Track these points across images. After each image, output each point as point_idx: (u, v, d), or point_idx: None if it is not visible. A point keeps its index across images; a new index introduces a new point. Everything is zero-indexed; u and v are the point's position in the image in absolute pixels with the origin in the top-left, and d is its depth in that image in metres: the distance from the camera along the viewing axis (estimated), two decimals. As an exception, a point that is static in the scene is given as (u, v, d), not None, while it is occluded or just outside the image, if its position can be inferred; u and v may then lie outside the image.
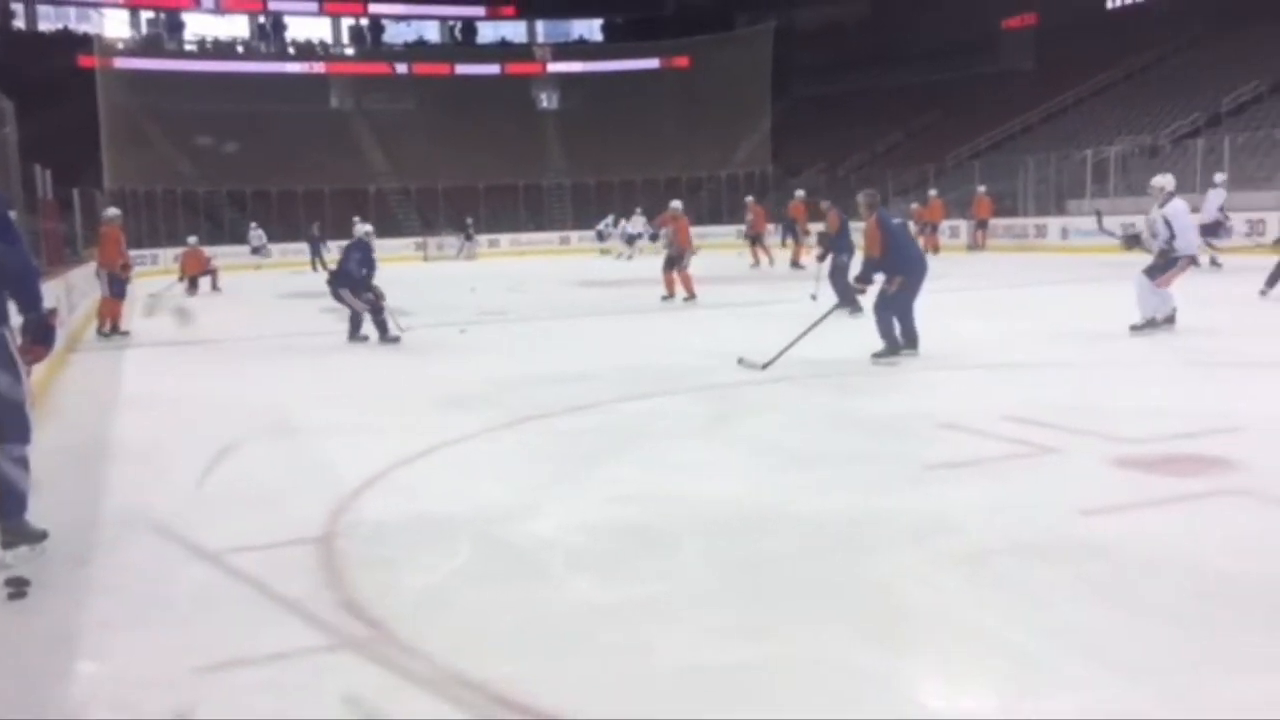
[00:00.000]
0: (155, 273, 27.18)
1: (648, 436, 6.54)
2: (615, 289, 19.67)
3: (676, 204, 16.54)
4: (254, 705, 3.06)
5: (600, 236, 34.23)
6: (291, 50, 50.35)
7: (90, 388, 9.61)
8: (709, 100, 44.46)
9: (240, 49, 49.95)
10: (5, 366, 4.22)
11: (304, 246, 31.59)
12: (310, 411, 7.88)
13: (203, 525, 4.79)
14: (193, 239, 24.79)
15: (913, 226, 19.62)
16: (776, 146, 43.05)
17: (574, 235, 38.61)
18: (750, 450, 6.04)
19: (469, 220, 37.09)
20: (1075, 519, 4.42)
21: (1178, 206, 10.05)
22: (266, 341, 13.15)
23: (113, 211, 14.39)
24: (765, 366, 8.49)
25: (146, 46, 47.56)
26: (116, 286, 13.58)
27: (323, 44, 51.60)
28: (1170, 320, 9.88)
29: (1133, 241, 10.51)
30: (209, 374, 10.46)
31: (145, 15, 49.07)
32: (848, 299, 11.12)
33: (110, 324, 13.54)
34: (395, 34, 53.41)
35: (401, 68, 49.87)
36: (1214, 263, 16.41)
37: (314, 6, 51.20)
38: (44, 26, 47.63)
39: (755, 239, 24.01)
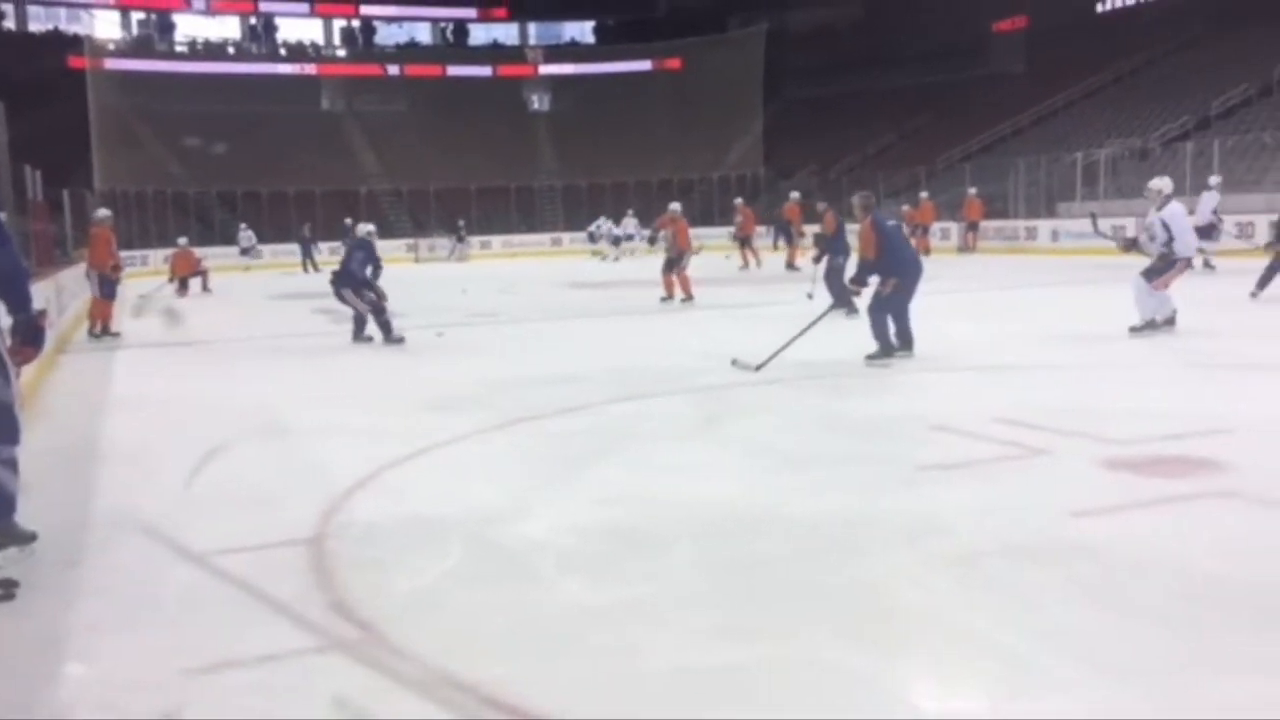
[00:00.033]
0: (145, 274, 27.10)
1: (639, 438, 6.54)
2: (607, 290, 19.68)
3: (675, 206, 16.63)
4: (243, 707, 3.05)
5: (592, 238, 34.26)
6: (283, 51, 50.31)
7: (80, 389, 9.58)
8: (701, 102, 44.51)
9: (231, 50, 49.88)
10: (-6, 368, 4.20)
11: (295, 248, 31.59)
12: (301, 413, 7.87)
13: (192, 527, 4.78)
14: (183, 240, 24.72)
15: (904, 229, 19.66)
16: (768, 148, 43.13)
17: (565, 237, 38.63)
18: (742, 452, 6.04)
19: (461, 222, 37.08)
20: (1065, 521, 4.43)
21: (1175, 209, 10.08)
22: (257, 343, 13.12)
23: (103, 212, 14.35)
24: (759, 368, 8.50)
25: (137, 47, 47.49)
26: (107, 288, 13.54)
27: (314, 45, 51.57)
28: (1170, 322, 9.90)
29: (1131, 244, 10.54)
30: (199, 375, 10.43)
31: (136, 16, 49.02)
32: (843, 300, 11.14)
33: (101, 325, 13.51)
34: (387, 35, 53.43)
35: (393, 69, 49.87)
36: (1207, 265, 16.48)
37: (305, 8, 51.17)
38: (34, 27, 47.51)
39: (744, 241, 24.07)
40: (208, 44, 49.64)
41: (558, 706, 2.95)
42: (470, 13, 53.56)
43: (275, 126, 41.84)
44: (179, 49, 48.93)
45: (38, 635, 3.64)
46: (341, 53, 52.41)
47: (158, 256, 29.22)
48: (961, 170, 32.41)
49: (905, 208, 27.10)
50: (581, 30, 55.67)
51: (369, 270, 11.92)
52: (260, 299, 21.03)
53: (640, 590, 3.86)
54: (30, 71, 38.24)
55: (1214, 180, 18.03)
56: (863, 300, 9.47)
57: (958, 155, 35.12)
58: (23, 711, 3.09)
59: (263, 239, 33.69)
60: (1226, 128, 27.98)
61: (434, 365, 10.41)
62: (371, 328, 11.85)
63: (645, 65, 49.18)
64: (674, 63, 48.39)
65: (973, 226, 28.08)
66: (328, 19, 52.04)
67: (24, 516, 4.36)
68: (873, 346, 8.93)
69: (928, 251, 24.61)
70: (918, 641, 3.35)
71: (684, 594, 3.81)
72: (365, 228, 12.70)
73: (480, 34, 54.38)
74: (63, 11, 48.43)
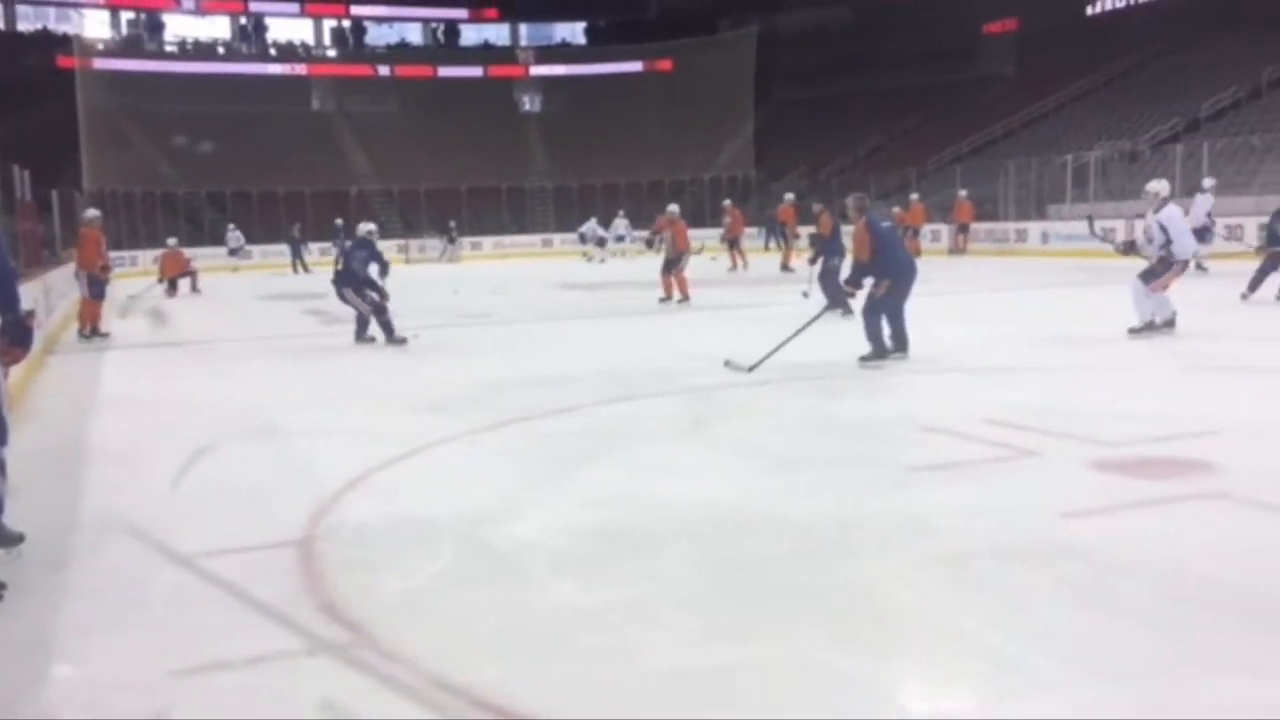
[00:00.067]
0: (135, 274, 27.01)
1: (631, 439, 6.53)
2: (599, 292, 19.68)
3: (674, 208, 16.78)
4: (230, 708, 3.04)
5: (583, 239, 34.25)
6: (273, 51, 50.22)
7: (68, 390, 9.54)
8: (692, 103, 44.54)
9: (221, 50, 49.76)
10: (-18, 368, 4.19)
11: (285, 248, 31.50)
12: (291, 414, 7.84)
13: (181, 528, 4.76)
14: (172, 240, 24.66)
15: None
16: (759, 150, 43.20)
17: (556, 238, 38.60)
18: (734, 453, 6.04)
19: (452, 224, 37.03)
20: (1055, 522, 4.44)
21: (1172, 212, 10.10)
22: (247, 344, 13.08)
23: (93, 213, 14.29)
24: (752, 369, 8.49)
25: (126, 47, 47.34)
26: (96, 288, 13.48)
27: (304, 45, 51.46)
28: (1170, 324, 9.92)
29: (1129, 247, 10.57)
30: (189, 376, 10.40)
31: (125, 16, 48.84)
32: (838, 301, 11.15)
33: (90, 326, 13.45)
34: (377, 36, 53.34)
35: (384, 69, 49.79)
36: (1199, 267, 16.55)
37: (295, 8, 51.05)
38: (23, 26, 47.31)
39: (733, 243, 24.13)
40: (197, 44, 49.50)
41: (549, 708, 2.95)
42: (461, 13, 53.51)
43: (265, 127, 41.73)
44: (169, 49, 48.77)
45: (25, 637, 3.62)
46: (332, 53, 52.32)
47: (147, 257, 29.11)
48: (952, 172, 32.49)
49: (896, 209, 27.10)
50: (573, 31, 55.67)
51: (372, 269, 11.86)
52: (250, 300, 20.97)
53: (632, 591, 3.86)
54: (19, 71, 38.16)
55: (1208, 183, 18.09)
56: (858, 302, 9.48)
57: (948, 157, 35.20)
58: (9, 712, 3.07)
59: (253, 239, 33.60)
60: (1216, 130, 28.08)
61: (425, 366, 10.40)
62: (374, 328, 11.80)
63: (636, 66, 49.21)
64: (665, 64, 48.41)
65: (963, 228, 28.13)
66: (318, 19, 51.93)
67: (11, 518, 4.35)
68: (866, 348, 8.93)
69: (918, 253, 24.59)
70: (909, 642, 3.35)
71: (676, 595, 3.81)
72: (366, 227, 12.67)
73: (471, 34, 54.33)
74: (51, 11, 48.25)
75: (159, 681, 3.19)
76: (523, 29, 54.53)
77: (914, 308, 9.18)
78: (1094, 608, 3.52)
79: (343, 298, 11.93)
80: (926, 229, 28.02)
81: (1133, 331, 9.87)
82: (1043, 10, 39.82)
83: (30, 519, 4.51)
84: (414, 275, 26.35)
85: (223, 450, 6.55)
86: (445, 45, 53.57)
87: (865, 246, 8.96)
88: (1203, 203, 17.08)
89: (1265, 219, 14.01)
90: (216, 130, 38.82)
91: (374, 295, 11.72)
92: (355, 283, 11.76)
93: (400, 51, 52.14)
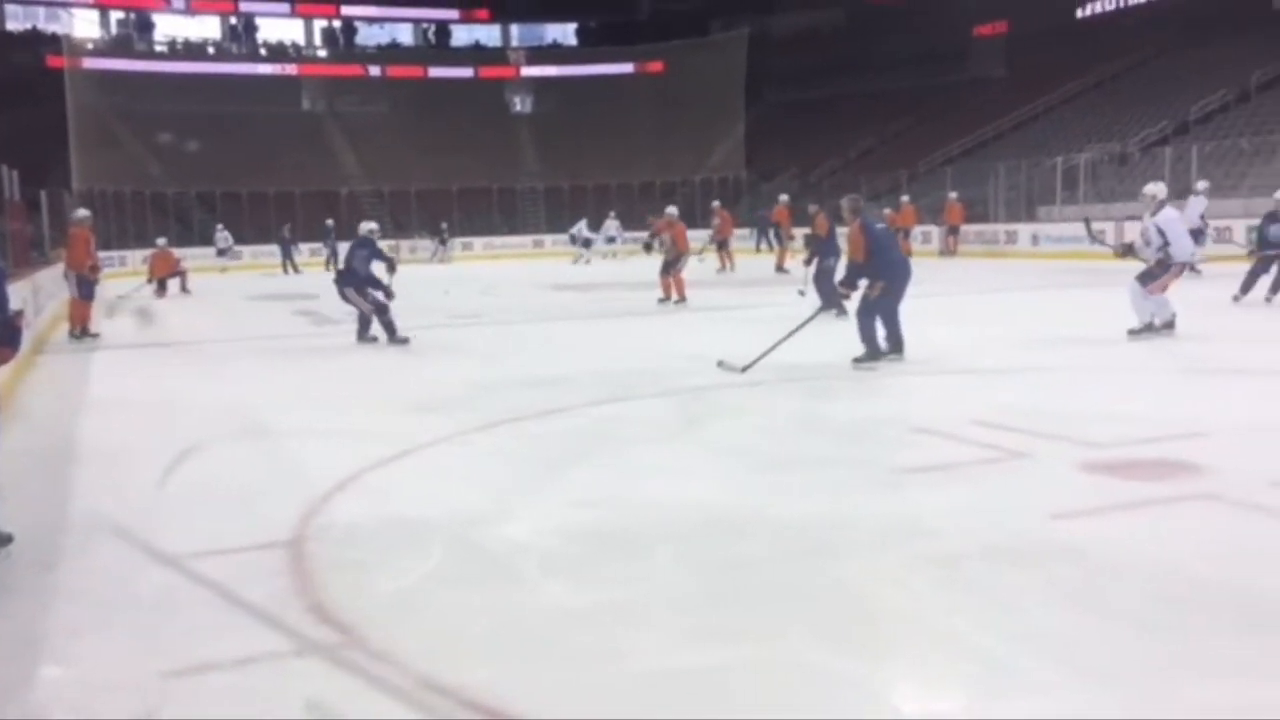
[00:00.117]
0: (124, 274, 26.91)
1: (622, 440, 6.53)
2: (591, 292, 19.67)
3: (672, 210, 16.96)
4: (220, 710, 3.03)
5: (574, 241, 34.22)
6: (263, 52, 50.05)
7: (58, 390, 9.50)
8: (683, 105, 44.52)
9: (211, 50, 49.58)
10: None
11: (275, 249, 31.41)
12: (281, 414, 7.82)
13: (171, 529, 4.74)
14: (162, 240, 24.58)
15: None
16: (750, 151, 43.23)
17: (548, 239, 38.56)
18: (725, 454, 6.03)
19: (444, 225, 36.97)
20: (1045, 523, 4.45)
21: (1169, 214, 10.13)
22: (236, 344, 13.04)
23: (82, 213, 14.24)
24: (745, 369, 8.49)
25: (116, 47, 47.16)
26: (85, 289, 13.42)
27: (295, 46, 51.31)
28: (1170, 326, 9.93)
29: (1127, 249, 10.60)
30: (179, 376, 10.36)
31: (115, 15, 48.64)
32: (832, 302, 11.16)
33: (80, 327, 13.40)
34: (368, 36, 53.21)
35: (374, 70, 49.69)
36: (1192, 269, 16.60)
37: (286, 8, 50.92)
38: (11, 26, 47.07)
39: (721, 244, 24.17)
40: (187, 44, 49.33)
41: (540, 708, 2.94)
42: (452, 14, 53.42)
43: (255, 127, 41.62)
44: (158, 48, 48.59)
45: (14, 638, 3.60)
46: (322, 53, 52.18)
47: (136, 257, 29.01)
48: (942, 174, 32.54)
49: (886, 211, 27.10)
50: (564, 32, 55.61)
51: (375, 267, 11.81)
52: (240, 300, 20.92)
53: (623, 592, 3.86)
54: (7, 70, 38.03)
55: (1201, 185, 18.14)
56: (852, 303, 9.49)
57: (939, 159, 35.26)
58: (-2, 715, 3.06)
59: (243, 240, 33.48)
60: (1205, 133, 28.20)
61: (416, 367, 10.38)
62: (376, 328, 11.75)
63: (627, 68, 49.20)
64: (656, 65, 48.41)
65: (953, 230, 28.19)
66: (308, 19, 51.78)
67: (0, 519, 4.32)
68: (860, 349, 8.93)
69: (909, 255, 24.65)
70: (899, 643, 3.35)
71: (667, 596, 3.81)
72: (367, 226, 12.63)
73: (462, 35, 54.25)
74: (41, 10, 48.01)
75: (148, 682, 3.18)
76: (514, 30, 54.46)
77: (905, 310, 9.20)
78: (1084, 609, 3.53)
79: (344, 297, 11.87)
80: (917, 231, 28.06)
81: (1132, 333, 9.88)
82: (1033, 13, 39.91)
83: (19, 519, 4.49)
84: (405, 276, 26.23)
85: (213, 450, 6.53)
86: (436, 46, 53.47)
87: (860, 248, 8.96)
88: (1196, 205, 17.13)
89: (1254, 221, 14.09)
90: (206, 130, 38.71)
91: (376, 295, 11.68)
92: (357, 282, 11.71)
93: (391, 52, 52.04)
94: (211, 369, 10.80)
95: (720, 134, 43.93)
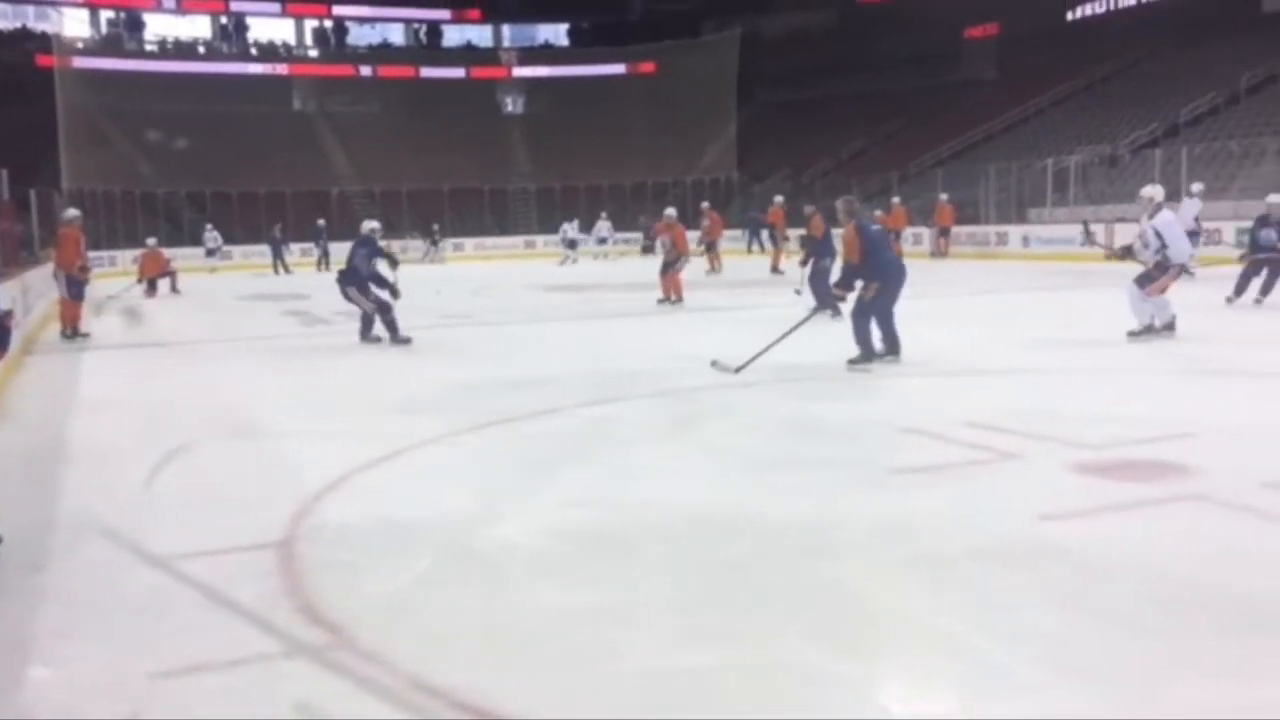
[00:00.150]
0: (114, 274, 26.83)
1: (613, 440, 6.53)
2: (583, 293, 19.66)
3: (671, 211, 17.12)
4: (208, 711, 3.02)
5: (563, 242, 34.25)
6: (254, 51, 49.95)
7: (47, 390, 9.46)
8: (675, 106, 44.54)
9: (202, 49, 49.46)
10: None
11: (265, 249, 31.34)
12: (272, 414, 7.80)
13: (160, 530, 4.72)
14: (152, 240, 24.48)
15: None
16: (742, 152, 43.27)
17: (539, 240, 38.54)
18: (714, 455, 6.03)
19: (435, 226, 36.91)
20: (1036, 524, 4.45)
21: (1166, 217, 10.15)
22: (227, 344, 13.01)
23: (73, 213, 14.19)
24: (739, 370, 8.49)
25: (106, 46, 47.01)
26: (75, 289, 13.38)
27: (285, 45, 51.21)
28: (1170, 327, 9.94)
29: (1126, 252, 10.62)
30: (169, 377, 10.33)
31: (105, 14, 48.49)
32: (828, 303, 11.17)
33: (70, 327, 13.36)
34: (359, 36, 53.14)
35: (365, 70, 49.61)
36: (1186, 271, 16.66)
37: (277, 8, 50.81)
38: (1, 24, 46.93)
39: (710, 245, 24.21)
40: (178, 43, 49.20)
41: (529, 709, 2.94)
42: (444, 14, 53.35)
43: (246, 127, 41.50)
44: (149, 48, 48.44)
45: (1, 639, 3.59)
46: (313, 53, 52.07)
47: (126, 257, 28.93)
48: (933, 175, 32.61)
49: (878, 213, 27.16)
50: (556, 33, 55.60)
51: (380, 266, 11.76)
52: (231, 300, 20.87)
53: (613, 593, 3.85)
54: (-3, 69, 37.87)
55: (1196, 187, 18.20)
56: (847, 304, 9.49)
57: (929, 161, 35.32)
58: (-16, 716, 3.05)
59: (233, 240, 33.39)
60: (1195, 135, 28.29)
61: (408, 368, 10.35)
62: (379, 328, 11.72)
63: (619, 68, 49.20)
64: (648, 66, 48.42)
65: (944, 232, 28.23)
66: (299, 19, 51.68)
67: (-12, 519, 4.31)
68: (855, 351, 8.93)
69: (900, 256, 24.70)
70: (889, 644, 3.36)
71: (657, 597, 3.80)
72: (369, 225, 12.57)
73: (454, 35, 54.20)
74: (30, 9, 47.86)
75: (136, 684, 3.17)
76: (505, 30, 54.43)
77: (897, 311, 9.21)
78: (1075, 610, 3.53)
79: (347, 297, 11.83)
80: (908, 232, 28.10)
81: (1132, 335, 9.89)
82: (1024, 15, 40.01)
83: (7, 520, 4.48)
84: (396, 276, 26.28)
85: (203, 451, 6.51)
86: (428, 46, 53.41)
87: (855, 249, 8.96)
88: (1190, 207, 17.19)
89: (1242, 223, 14.15)
90: (197, 130, 38.60)
91: (380, 294, 11.64)
92: (359, 281, 11.68)
93: (382, 52, 51.97)
94: (202, 369, 10.76)
95: (712, 135, 43.96)
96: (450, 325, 14.23)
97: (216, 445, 6.72)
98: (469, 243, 38.54)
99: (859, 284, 9.03)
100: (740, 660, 3.24)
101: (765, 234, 29.03)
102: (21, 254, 17.49)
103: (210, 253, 31.82)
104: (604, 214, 34.41)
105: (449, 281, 23.08)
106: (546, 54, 53.08)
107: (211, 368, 10.86)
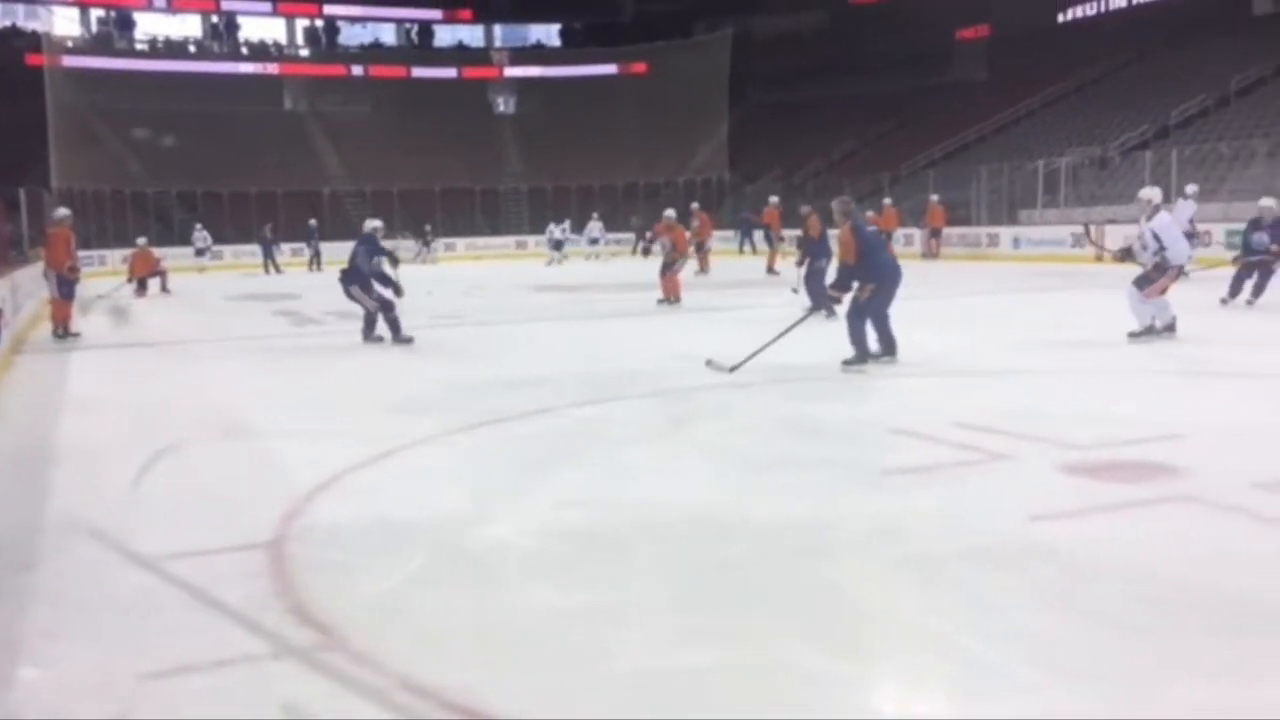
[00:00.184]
0: (104, 274, 26.74)
1: (607, 440, 6.52)
2: (576, 293, 19.67)
3: (670, 213, 17.23)
4: (197, 711, 3.01)
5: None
6: (245, 51, 49.81)
7: (36, 390, 9.43)
8: (666, 106, 44.54)
9: (192, 49, 49.30)
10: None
11: (256, 249, 31.27)
12: (262, 414, 7.79)
13: (150, 530, 4.71)
14: (142, 240, 24.43)
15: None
16: (733, 153, 43.31)
17: (531, 240, 38.52)
18: (707, 455, 6.03)
19: (427, 226, 36.87)
20: (1026, 525, 4.45)
21: (1164, 219, 10.17)
22: (217, 344, 12.97)
23: (63, 212, 14.13)
24: (733, 370, 8.49)
25: (96, 45, 46.86)
26: (65, 288, 13.33)
27: (276, 45, 51.09)
28: (1170, 328, 9.95)
29: (1125, 254, 10.65)
30: (159, 376, 10.29)
31: (95, 13, 48.30)
32: (823, 303, 11.17)
33: (61, 326, 13.31)
34: (351, 36, 53.03)
35: (357, 70, 49.54)
36: (1183, 273, 16.71)
37: (268, 7, 50.68)
38: (-9, 23, 46.81)
39: (699, 246, 24.22)
40: (168, 42, 49.04)
41: (522, 709, 2.93)
42: (435, 14, 53.26)
43: (237, 126, 41.42)
44: (139, 47, 48.29)
45: (-10, 640, 3.57)
46: (304, 52, 51.96)
47: (116, 256, 28.82)
48: (925, 177, 32.66)
49: (869, 214, 27.18)
50: (547, 33, 55.56)
51: (378, 263, 11.75)
52: (221, 300, 20.82)
53: (605, 594, 3.85)
54: (-14, 68, 37.72)
55: (1190, 189, 18.25)
56: (842, 305, 9.49)
57: (921, 162, 35.39)
58: (-28, 717, 3.03)
59: (224, 240, 33.31)
60: (1185, 137, 28.40)
61: (399, 368, 10.34)
62: (383, 327, 11.68)
63: (611, 69, 49.21)
64: (640, 67, 48.43)
65: (935, 233, 28.28)
66: (290, 18, 51.55)
67: (-24, 519, 4.29)
68: (850, 351, 8.93)
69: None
70: (880, 644, 3.36)
71: (650, 597, 3.80)
72: (372, 223, 12.51)
73: (445, 35, 54.12)
74: (20, 8, 47.66)
75: (124, 685, 3.16)
76: (497, 30, 54.37)
77: (892, 312, 9.21)
78: (1065, 610, 3.54)
79: (350, 295, 11.78)
80: (899, 233, 28.14)
81: (1133, 336, 9.89)
82: (1015, 17, 40.15)
83: (-4, 520, 4.45)
84: (397, 274, 26.24)
85: (193, 451, 6.49)
86: (419, 46, 53.33)
87: (851, 250, 8.94)
88: (1185, 209, 17.23)
89: (1232, 225, 14.21)
90: (187, 129, 38.53)
91: (384, 292, 11.62)
92: (361, 280, 11.63)
93: (374, 52, 51.88)
94: (192, 369, 10.73)
95: (704, 135, 43.99)
96: (442, 325, 14.20)
97: (207, 445, 6.70)
98: (461, 243, 38.51)
99: (854, 285, 9.02)
100: (735, 660, 3.23)
101: (759, 234, 29.04)
102: (11, 253, 17.44)
103: (199, 252, 31.75)
104: (596, 214, 34.39)
105: (441, 282, 23.03)
106: (538, 54, 53.06)
107: (202, 367, 10.83)
